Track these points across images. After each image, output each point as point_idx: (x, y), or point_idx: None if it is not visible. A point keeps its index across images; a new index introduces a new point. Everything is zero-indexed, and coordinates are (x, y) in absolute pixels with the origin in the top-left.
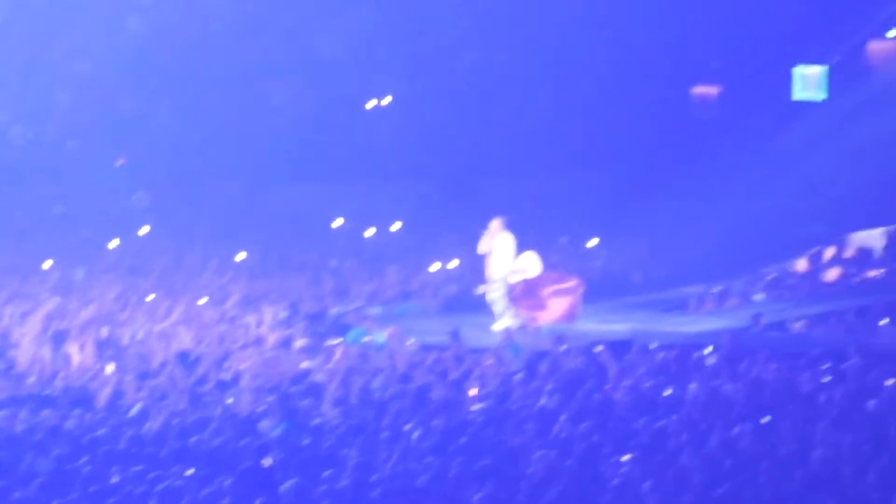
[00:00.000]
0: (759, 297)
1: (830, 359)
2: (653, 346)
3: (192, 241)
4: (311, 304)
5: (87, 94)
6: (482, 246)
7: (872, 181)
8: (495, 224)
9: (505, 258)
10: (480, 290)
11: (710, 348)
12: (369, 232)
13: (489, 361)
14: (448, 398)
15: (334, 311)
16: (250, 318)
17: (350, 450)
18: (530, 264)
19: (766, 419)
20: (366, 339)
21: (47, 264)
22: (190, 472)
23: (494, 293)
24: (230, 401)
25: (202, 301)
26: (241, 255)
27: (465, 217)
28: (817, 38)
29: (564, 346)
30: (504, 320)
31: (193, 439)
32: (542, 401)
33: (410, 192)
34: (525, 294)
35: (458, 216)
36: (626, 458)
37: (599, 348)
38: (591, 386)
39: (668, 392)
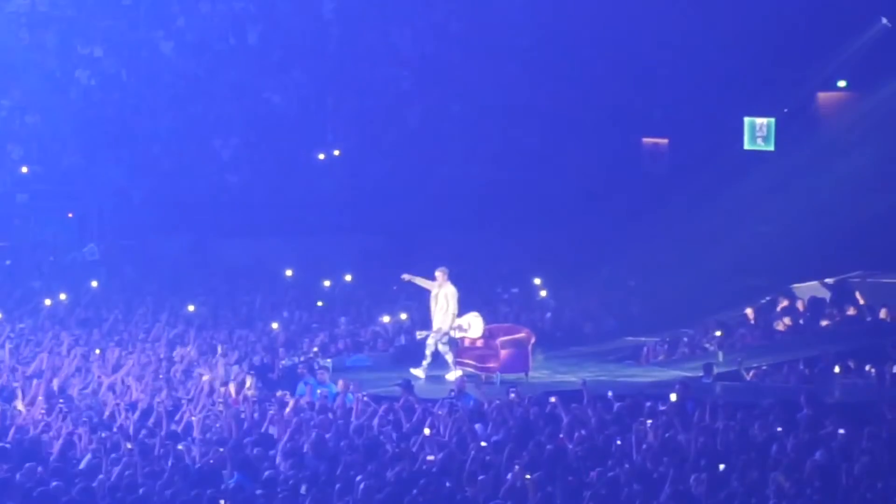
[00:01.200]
0: (709, 346)
1: (782, 409)
2: (607, 395)
3: (142, 293)
4: (262, 355)
5: (36, 147)
6: (417, 281)
7: (821, 231)
8: (440, 274)
9: (449, 309)
10: (420, 335)
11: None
12: (323, 283)
13: (441, 412)
14: (401, 449)
15: (285, 362)
16: (202, 370)
17: (304, 501)
18: (474, 324)
19: (719, 468)
20: (318, 391)
21: None
22: None
23: (438, 343)
24: (182, 452)
25: (153, 353)
26: (191, 307)
27: (414, 269)
28: (766, 89)
29: (514, 397)
30: (451, 371)
31: (143, 491)
32: (494, 451)
33: (359, 244)
34: (478, 345)
35: (407, 268)
36: None
37: (553, 399)
38: (544, 436)
39: (620, 442)
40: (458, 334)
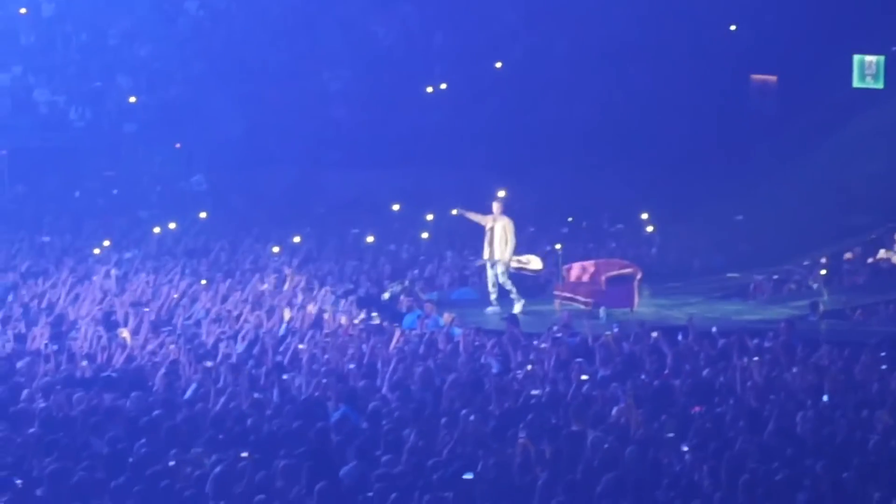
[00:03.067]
0: (815, 284)
1: (889, 347)
2: (712, 331)
3: (249, 225)
4: (369, 287)
5: (145, 78)
6: (474, 217)
7: None
8: (496, 205)
9: (508, 241)
10: (479, 262)
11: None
12: (427, 217)
13: (545, 346)
14: (505, 382)
15: (387, 294)
16: (308, 301)
17: (409, 432)
18: (533, 260)
19: (824, 404)
20: (424, 321)
21: (104, 246)
22: (245, 454)
23: (499, 275)
24: (288, 383)
25: (260, 284)
26: (297, 238)
27: (522, 204)
28: (876, 25)
29: (618, 332)
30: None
31: (250, 421)
32: (600, 386)
33: (464, 178)
34: (584, 280)
35: (514, 204)
36: (684, 446)
37: (655, 334)
38: (650, 371)
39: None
40: (517, 266)
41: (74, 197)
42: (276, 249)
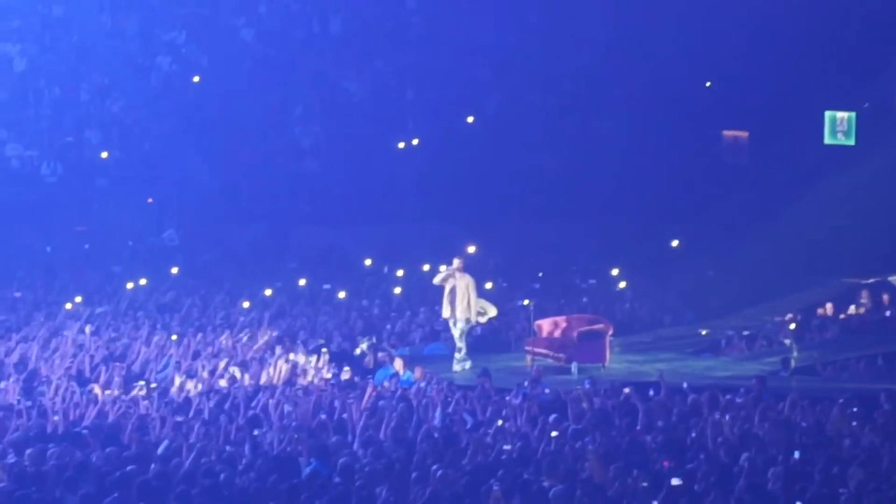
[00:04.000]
0: (787, 340)
1: (860, 404)
2: (683, 387)
3: (221, 280)
4: (340, 343)
5: (117, 133)
6: (438, 279)
7: None
8: (457, 263)
9: (471, 298)
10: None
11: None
12: (398, 273)
13: (516, 401)
14: (478, 437)
15: (361, 347)
16: (280, 356)
17: (381, 489)
18: (488, 308)
19: (795, 460)
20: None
21: (76, 301)
22: None
23: (457, 331)
24: (259, 438)
25: (231, 339)
26: (268, 291)
27: (491, 258)
28: (848, 83)
29: (590, 387)
30: (461, 361)
31: (223, 477)
32: (572, 441)
33: (436, 233)
34: (555, 335)
35: (483, 258)
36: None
37: (627, 390)
38: (622, 427)
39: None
40: (480, 322)
41: (46, 251)
42: (246, 304)
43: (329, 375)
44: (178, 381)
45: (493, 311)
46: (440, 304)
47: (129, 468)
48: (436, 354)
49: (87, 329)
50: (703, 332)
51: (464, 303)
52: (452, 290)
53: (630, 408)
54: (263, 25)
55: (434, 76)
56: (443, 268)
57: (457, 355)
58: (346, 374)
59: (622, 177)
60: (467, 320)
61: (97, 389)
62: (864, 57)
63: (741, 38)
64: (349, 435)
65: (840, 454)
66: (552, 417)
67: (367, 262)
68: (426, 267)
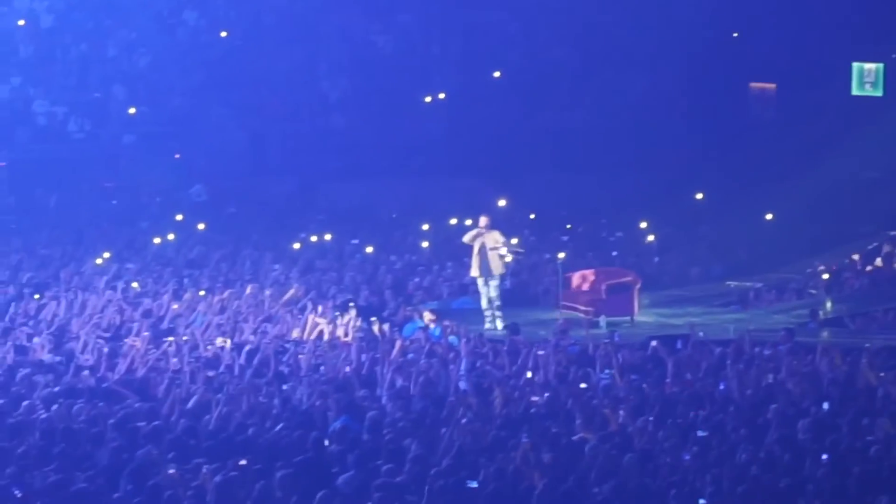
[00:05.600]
0: (815, 291)
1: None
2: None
3: (248, 236)
4: (368, 297)
5: (144, 89)
6: (467, 238)
7: None
8: (484, 221)
9: (498, 255)
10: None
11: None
12: (425, 226)
13: (543, 353)
14: (507, 390)
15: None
16: (308, 311)
17: (410, 442)
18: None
19: (824, 411)
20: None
21: (104, 257)
22: (244, 463)
23: (492, 289)
24: (288, 393)
25: (260, 294)
26: (296, 245)
27: (521, 213)
28: (876, 33)
29: (619, 340)
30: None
31: (251, 431)
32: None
33: (464, 187)
34: (584, 288)
35: (510, 211)
36: (685, 453)
37: (654, 343)
38: (650, 379)
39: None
40: (514, 253)
41: (74, 208)
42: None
43: (357, 330)
44: (206, 336)
45: (512, 246)
46: (468, 257)
47: (158, 422)
48: (464, 308)
49: (115, 285)
50: (732, 284)
51: (496, 259)
52: (482, 249)
53: (658, 360)
54: None
55: (460, 30)
56: (470, 223)
57: (492, 313)
58: (375, 328)
59: (649, 130)
60: (501, 276)
61: (133, 342)
62: (892, 7)
63: None
64: (378, 389)
65: (870, 406)
66: (581, 369)
67: (394, 215)
68: (453, 221)
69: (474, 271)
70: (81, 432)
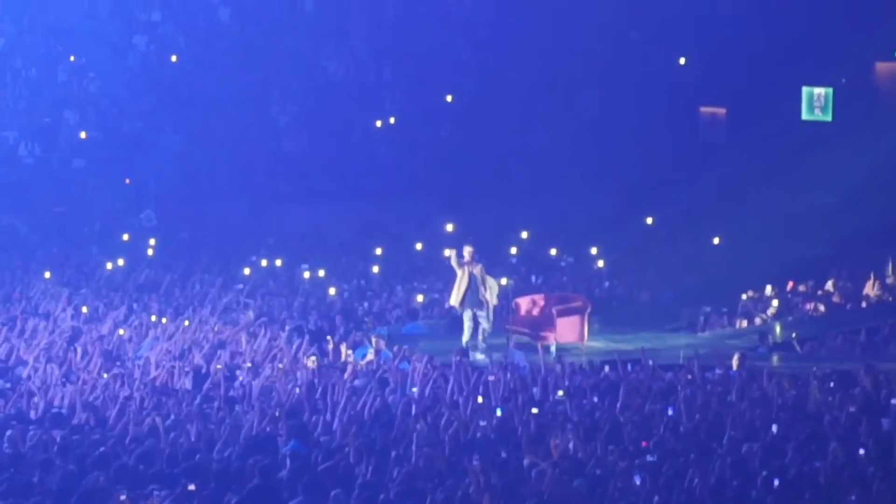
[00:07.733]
0: (765, 317)
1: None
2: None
3: (198, 259)
4: (318, 322)
5: (94, 113)
6: (455, 266)
7: (880, 202)
8: (468, 252)
9: (486, 286)
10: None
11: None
12: (378, 250)
13: (493, 378)
14: (456, 415)
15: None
16: (258, 336)
17: (360, 467)
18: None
19: (773, 436)
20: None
21: (48, 277)
22: (193, 488)
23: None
24: (238, 418)
25: (209, 319)
26: (247, 270)
27: (468, 236)
28: (825, 58)
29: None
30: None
31: (199, 457)
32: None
33: (415, 211)
34: (533, 313)
35: (462, 234)
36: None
37: (606, 368)
38: (601, 404)
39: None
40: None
41: (23, 232)
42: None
43: (307, 354)
44: (156, 361)
45: (496, 288)
46: (419, 280)
47: (107, 449)
48: (414, 333)
49: (66, 310)
50: (682, 310)
51: (482, 290)
52: (471, 281)
53: (610, 385)
54: (240, 4)
55: (412, 54)
56: (448, 251)
57: (480, 344)
58: (329, 346)
59: (599, 154)
60: (493, 305)
61: (78, 368)
62: (841, 32)
63: (719, 13)
64: (328, 414)
65: (819, 430)
66: (535, 391)
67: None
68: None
69: (453, 300)
70: (30, 458)
